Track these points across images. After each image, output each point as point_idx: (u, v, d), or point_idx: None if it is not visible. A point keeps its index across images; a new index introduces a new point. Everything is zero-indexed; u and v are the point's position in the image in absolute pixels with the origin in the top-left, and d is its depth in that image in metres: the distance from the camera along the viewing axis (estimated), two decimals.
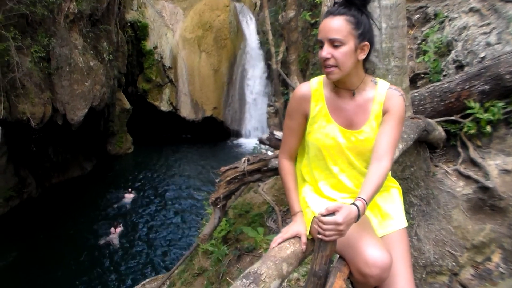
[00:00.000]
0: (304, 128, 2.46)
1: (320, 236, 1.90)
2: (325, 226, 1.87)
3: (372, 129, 2.32)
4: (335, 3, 2.22)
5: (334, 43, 2.12)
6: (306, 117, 2.41)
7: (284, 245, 2.19)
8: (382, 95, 2.31)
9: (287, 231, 2.30)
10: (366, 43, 2.19)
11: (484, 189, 5.01)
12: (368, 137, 2.32)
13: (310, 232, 2.30)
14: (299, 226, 2.32)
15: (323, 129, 2.35)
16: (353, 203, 1.97)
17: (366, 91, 2.33)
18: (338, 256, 2.22)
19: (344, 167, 2.39)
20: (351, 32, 2.13)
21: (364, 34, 2.17)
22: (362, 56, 2.20)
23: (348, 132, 2.33)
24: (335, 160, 2.39)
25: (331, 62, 2.14)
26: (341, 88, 2.32)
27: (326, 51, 2.14)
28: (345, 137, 2.33)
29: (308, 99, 2.38)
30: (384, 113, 2.31)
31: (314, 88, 2.39)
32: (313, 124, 2.38)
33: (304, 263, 2.44)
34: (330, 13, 2.16)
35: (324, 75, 2.40)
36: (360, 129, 2.32)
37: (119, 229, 14.43)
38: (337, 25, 2.11)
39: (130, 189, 17.51)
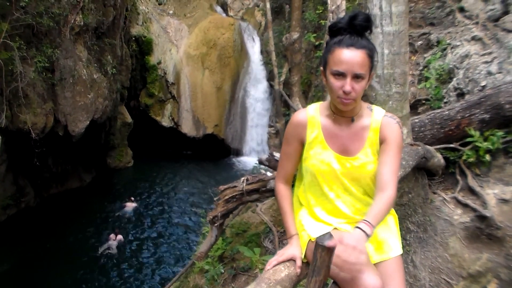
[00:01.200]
0: (300, 154, 2.48)
1: (346, 270, 1.97)
2: (344, 255, 1.91)
3: (367, 156, 2.33)
4: (334, 26, 2.22)
5: (358, 78, 2.13)
6: (302, 143, 2.43)
7: (279, 267, 2.19)
8: (378, 123, 2.33)
9: (283, 254, 2.30)
10: (373, 73, 2.23)
11: (482, 218, 5.00)
12: (363, 163, 2.33)
13: (305, 256, 2.30)
14: (295, 249, 2.32)
15: (318, 155, 2.37)
16: (357, 226, 2.02)
17: (362, 118, 2.35)
18: (332, 281, 2.22)
19: (340, 192, 2.40)
20: (370, 65, 2.16)
21: (375, 65, 2.22)
22: (368, 84, 2.23)
23: (343, 158, 2.34)
24: (330, 186, 2.39)
25: (352, 96, 2.15)
26: (340, 115, 2.34)
27: (349, 85, 2.12)
28: (340, 163, 2.35)
29: (304, 126, 2.40)
30: (381, 141, 2.32)
31: (311, 115, 2.41)
32: (309, 150, 2.40)
33: (299, 285, 2.43)
34: (351, 44, 2.13)
35: (322, 102, 2.43)
36: (355, 156, 2.33)
37: (119, 237, 14.48)
38: (361, 60, 2.12)
39: (132, 198, 17.56)
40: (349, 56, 2.12)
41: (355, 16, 2.15)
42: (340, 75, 2.14)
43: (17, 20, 12.29)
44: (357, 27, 2.14)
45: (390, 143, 2.31)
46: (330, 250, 1.80)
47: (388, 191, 2.22)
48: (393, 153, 2.30)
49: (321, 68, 2.34)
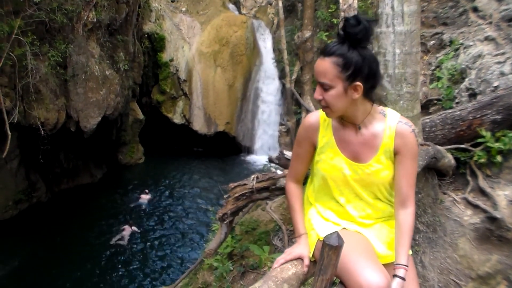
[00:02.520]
0: (311, 156, 2.48)
1: None
2: None
3: (380, 164, 2.31)
4: (338, 33, 2.20)
5: (324, 86, 2.13)
6: (314, 146, 2.43)
7: (286, 266, 2.20)
8: (392, 130, 2.29)
9: (291, 252, 2.31)
10: (358, 83, 2.13)
11: (492, 219, 4.98)
12: (376, 170, 2.31)
13: (313, 255, 2.31)
14: (303, 248, 2.33)
15: (330, 160, 2.36)
16: (396, 275, 2.17)
17: (373, 125, 2.31)
18: (339, 280, 2.22)
19: (351, 198, 2.40)
20: (338, 75, 2.10)
21: (355, 74, 2.11)
22: (356, 95, 2.16)
23: (355, 165, 2.33)
24: (341, 190, 2.39)
25: (323, 103, 2.18)
26: (347, 121, 2.33)
27: (317, 93, 2.18)
28: (352, 170, 2.34)
29: (317, 129, 2.40)
30: (396, 151, 2.29)
31: (323, 119, 2.40)
32: (321, 154, 2.40)
33: (306, 283, 2.44)
34: (322, 52, 2.16)
35: None
36: (367, 163, 2.32)
37: (133, 228, 14.84)
38: (324, 69, 2.11)
39: (146, 190, 17.78)
40: (316, 64, 2.17)
41: (344, 21, 2.11)
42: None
43: (31, 16, 12.37)
44: (340, 34, 2.13)
45: (406, 154, 2.29)
46: (337, 249, 1.80)
47: (410, 208, 2.31)
48: (410, 163, 2.30)
49: None
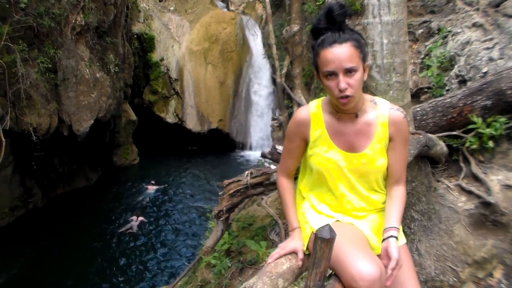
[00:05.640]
0: (303, 151, 2.48)
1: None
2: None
3: (375, 152, 2.33)
4: (315, 29, 2.21)
5: (350, 71, 2.09)
6: (305, 141, 2.43)
7: (280, 260, 2.20)
8: (385, 117, 2.32)
9: (284, 247, 2.31)
10: (368, 63, 2.20)
11: (486, 204, 4.99)
12: (371, 159, 2.33)
13: (307, 248, 2.32)
14: (297, 242, 2.33)
15: (324, 153, 2.36)
16: (391, 236, 2.23)
17: (367, 113, 2.33)
18: (333, 272, 2.23)
19: (345, 190, 2.40)
20: (359, 56, 2.12)
21: (366, 54, 2.18)
22: (365, 76, 2.20)
23: (350, 155, 2.33)
24: (335, 184, 2.40)
25: (349, 92, 2.11)
26: (343, 112, 2.31)
27: (344, 82, 2.09)
28: (347, 160, 2.34)
29: (308, 124, 2.38)
30: (390, 137, 2.33)
31: (313, 112, 2.38)
32: (313, 148, 2.39)
33: (301, 277, 2.45)
34: (334, 41, 2.11)
35: (323, 98, 2.41)
36: (362, 152, 2.33)
37: (140, 218, 15.49)
38: (348, 53, 2.08)
39: (153, 182, 18.46)
40: (335, 53, 2.10)
41: (330, 10, 2.12)
42: (332, 74, 2.12)
43: (18, 22, 12.32)
44: (335, 20, 2.12)
45: (400, 140, 2.35)
46: (330, 242, 1.81)
47: (402, 186, 2.42)
48: (402, 148, 2.38)
49: (315, 73, 2.32)
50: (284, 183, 2.56)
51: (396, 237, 2.20)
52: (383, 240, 2.24)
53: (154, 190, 18.18)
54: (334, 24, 2.13)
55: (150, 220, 16.02)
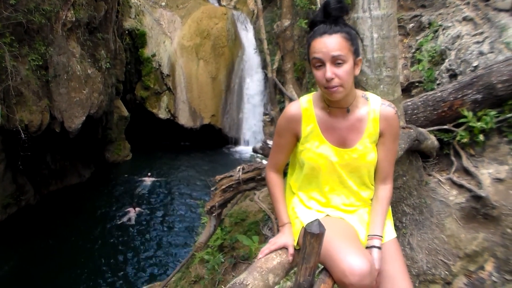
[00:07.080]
0: (293, 146, 2.47)
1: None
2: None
3: (365, 147, 2.33)
4: (312, 22, 2.21)
5: (337, 61, 2.09)
6: (296, 137, 2.41)
7: (271, 256, 2.19)
8: (376, 113, 2.32)
9: (275, 242, 2.30)
10: (360, 57, 2.20)
11: (477, 198, 5.01)
12: (362, 154, 2.33)
13: (298, 243, 2.31)
14: (287, 237, 2.33)
15: (316, 149, 2.35)
16: (373, 246, 2.27)
17: (358, 108, 2.33)
18: (323, 267, 2.23)
19: (335, 185, 2.41)
20: (350, 48, 2.12)
21: (358, 49, 2.18)
22: (357, 71, 2.20)
23: (341, 151, 2.33)
24: (326, 179, 2.39)
25: (335, 82, 2.10)
26: (335, 107, 2.31)
27: (330, 71, 2.09)
28: (338, 156, 2.34)
29: (299, 120, 2.37)
30: (381, 133, 2.34)
31: (304, 108, 2.37)
32: (305, 143, 2.38)
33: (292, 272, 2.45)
34: (324, 32, 2.11)
35: (314, 93, 2.41)
36: (353, 147, 2.33)
37: (137, 209, 15.87)
38: (336, 43, 2.08)
39: (149, 174, 18.81)
40: (323, 42, 2.10)
41: (327, 4, 2.12)
42: (320, 63, 2.12)
43: (7, 18, 12.24)
44: (331, 14, 2.12)
45: (390, 136, 2.36)
46: (319, 237, 1.81)
47: (388, 184, 2.44)
48: (393, 145, 2.39)
49: (308, 66, 2.33)
50: (274, 178, 2.55)
51: (379, 248, 2.26)
52: (367, 247, 2.28)
53: (150, 182, 18.53)
54: (329, 18, 2.13)
55: (146, 213, 16.12)
